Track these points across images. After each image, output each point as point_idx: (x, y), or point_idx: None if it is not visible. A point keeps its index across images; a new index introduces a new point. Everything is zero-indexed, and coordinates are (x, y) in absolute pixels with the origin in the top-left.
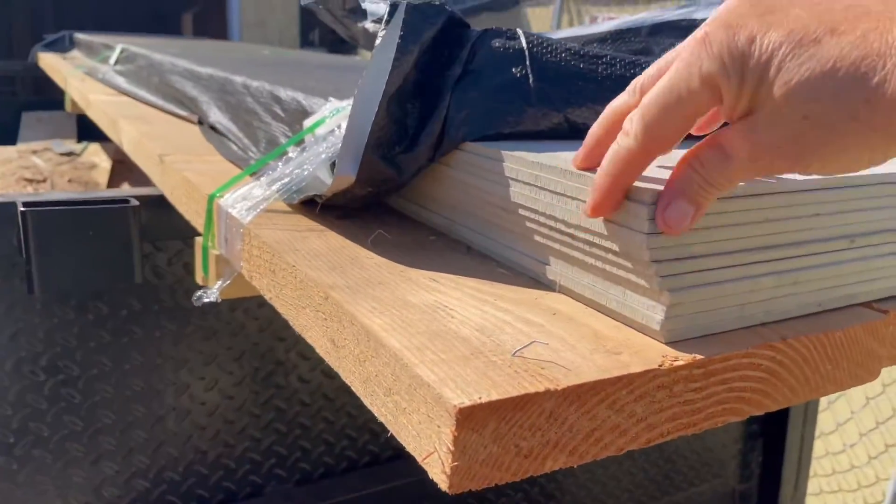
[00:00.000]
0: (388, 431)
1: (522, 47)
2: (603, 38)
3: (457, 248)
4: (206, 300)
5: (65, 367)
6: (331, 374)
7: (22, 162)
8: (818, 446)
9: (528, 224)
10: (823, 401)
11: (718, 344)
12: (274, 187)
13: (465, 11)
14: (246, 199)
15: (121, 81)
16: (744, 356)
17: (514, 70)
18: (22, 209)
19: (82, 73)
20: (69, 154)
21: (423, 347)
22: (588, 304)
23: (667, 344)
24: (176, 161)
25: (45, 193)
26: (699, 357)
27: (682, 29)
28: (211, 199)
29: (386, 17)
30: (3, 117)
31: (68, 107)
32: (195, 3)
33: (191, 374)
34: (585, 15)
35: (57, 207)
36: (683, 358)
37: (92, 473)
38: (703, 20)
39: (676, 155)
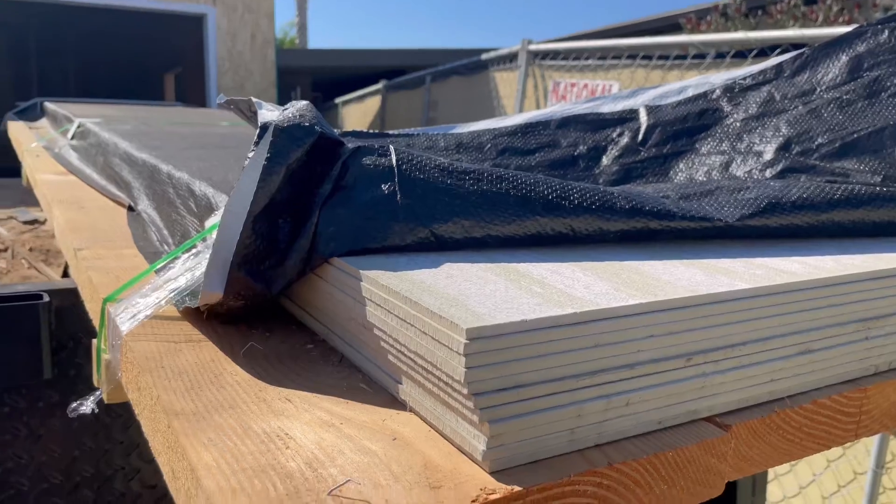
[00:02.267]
0: None
1: (392, 165)
2: (514, 132)
3: (330, 358)
4: (82, 410)
5: None
6: None
7: None
8: None
9: (383, 344)
10: (785, 465)
11: (544, 472)
12: (164, 292)
13: (436, 75)
14: (135, 304)
15: (73, 158)
16: (566, 484)
17: (383, 187)
18: None
19: (41, 146)
20: (33, 222)
21: (237, 490)
22: (431, 426)
23: (492, 473)
24: (87, 257)
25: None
26: (517, 489)
27: (588, 122)
28: (104, 302)
29: (255, 137)
30: None
31: (24, 181)
32: (176, 65)
33: (109, 466)
34: (549, 80)
35: None
36: (501, 490)
37: None
38: (610, 114)
39: (564, 271)
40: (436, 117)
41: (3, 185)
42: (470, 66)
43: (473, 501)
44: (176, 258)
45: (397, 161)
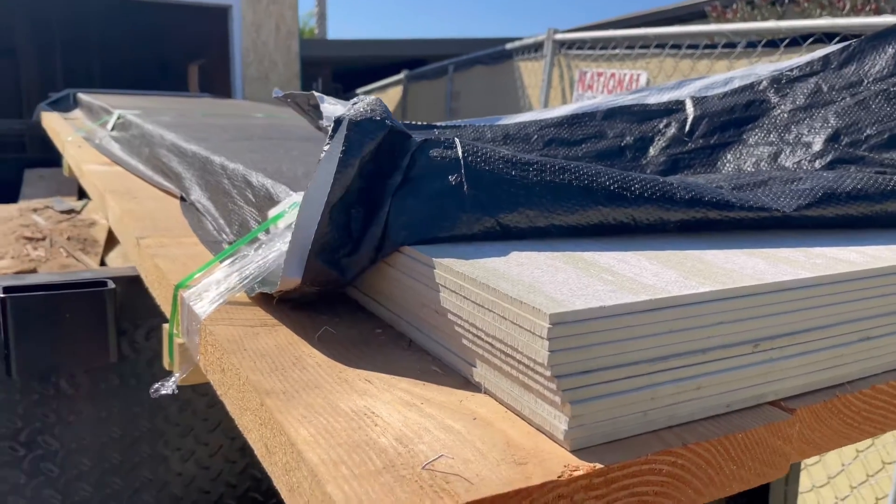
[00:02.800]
0: None
1: (458, 156)
2: (560, 123)
3: (399, 343)
4: (164, 392)
5: (44, 441)
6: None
7: (22, 220)
8: (811, 499)
9: (457, 328)
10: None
11: (621, 451)
12: (236, 279)
13: (459, 64)
14: (207, 291)
15: (115, 149)
16: (643, 463)
17: (450, 178)
18: (1, 295)
19: (81, 137)
20: (69, 212)
21: (338, 462)
22: (508, 408)
23: (573, 451)
24: (150, 245)
25: (27, 276)
26: (599, 466)
27: (634, 113)
28: (176, 288)
29: (330, 131)
30: (7, 175)
31: (66, 171)
32: (201, 56)
33: (167, 447)
34: (575, 69)
35: (35, 293)
36: (584, 467)
37: None
38: (656, 105)
39: (630, 260)
40: (458, 108)
41: (40, 175)
42: (494, 55)
43: (559, 477)
44: (242, 247)
45: (463, 153)
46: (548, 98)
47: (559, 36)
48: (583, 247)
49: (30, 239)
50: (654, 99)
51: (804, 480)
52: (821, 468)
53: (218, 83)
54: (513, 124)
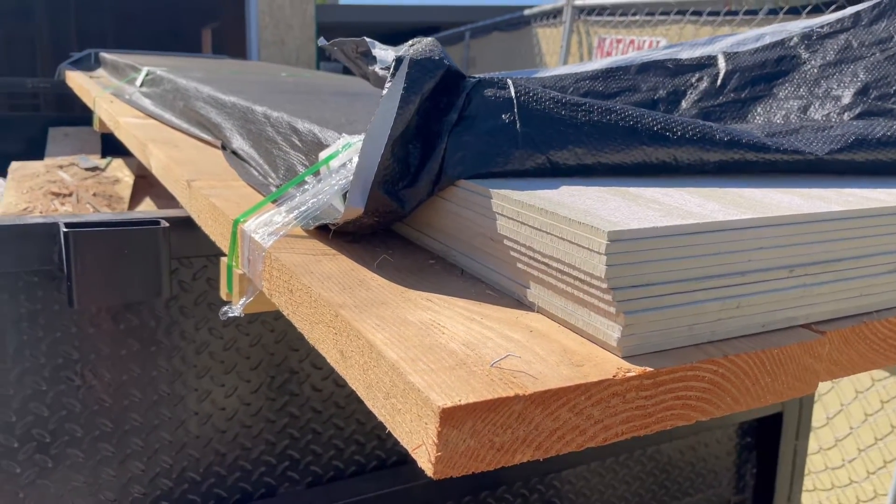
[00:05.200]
0: (389, 432)
1: (511, 96)
2: (595, 76)
3: (452, 271)
4: (232, 314)
5: (98, 373)
6: (341, 384)
7: (49, 176)
8: (817, 461)
9: (512, 253)
10: (822, 416)
11: (668, 358)
12: (292, 214)
13: (475, 31)
14: (267, 224)
15: (147, 104)
16: (689, 369)
17: (503, 117)
18: (64, 230)
19: (110, 94)
20: (94, 169)
21: (416, 359)
22: (561, 323)
23: (624, 358)
24: (202, 187)
25: (85, 215)
26: (649, 369)
27: (667, 68)
28: (235, 223)
29: (392, 70)
30: (31, 132)
31: (96, 125)
32: (215, 19)
33: (212, 382)
34: (594, 36)
35: (96, 228)
36: (635, 370)
37: (120, 472)
38: (689, 59)
39: (673, 194)
40: (474, 72)
41: (65, 133)
42: (511, 21)
43: (614, 376)
44: (296, 185)
45: (516, 93)
46: (566, 64)
47: (578, 2)
48: (628, 183)
49: (57, 195)
50: (686, 54)
51: (811, 444)
52: (828, 431)
53: (232, 47)
54: (549, 77)
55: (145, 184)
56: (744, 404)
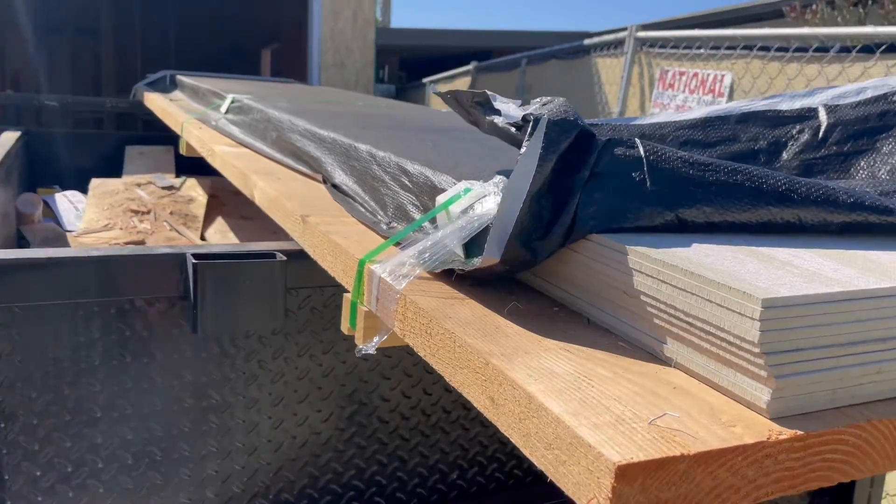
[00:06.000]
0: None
1: (640, 155)
2: (694, 125)
3: (578, 320)
4: (367, 352)
5: (207, 394)
6: (428, 413)
7: (128, 194)
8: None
9: (649, 308)
10: None
11: (813, 421)
12: (421, 258)
13: (531, 58)
14: (397, 267)
15: (235, 131)
16: (836, 433)
17: (633, 175)
18: (193, 261)
19: (196, 119)
20: (170, 188)
21: (577, 413)
22: (701, 380)
23: (771, 419)
24: (319, 223)
25: (209, 246)
26: (799, 432)
27: (767, 119)
28: (362, 263)
29: (529, 129)
30: (107, 149)
31: (183, 150)
32: (275, 41)
33: (309, 407)
34: (656, 67)
35: (221, 260)
36: (786, 432)
37: (222, 490)
38: (789, 111)
39: (804, 256)
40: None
41: (140, 151)
42: (569, 50)
43: (767, 438)
44: (408, 229)
45: (645, 152)
46: (626, 95)
47: (641, 34)
48: (755, 242)
49: (136, 212)
50: (786, 105)
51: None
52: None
53: (291, 68)
54: (647, 125)
55: (217, 203)
56: (883, 467)
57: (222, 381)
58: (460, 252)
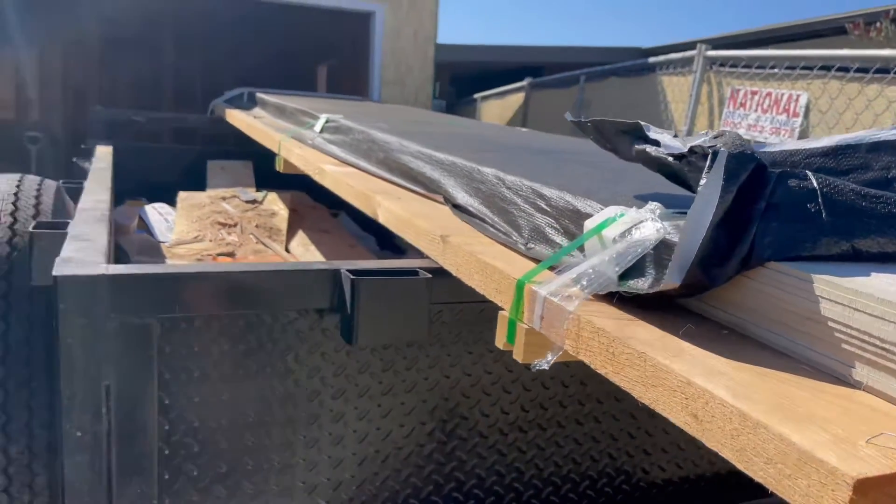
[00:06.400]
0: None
1: (814, 187)
2: (825, 153)
3: (749, 342)
4: (542, 367)
5: (350, 401)
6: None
7: (214, 207)
8: None
9: (837, 334)
10: None
11: None
12: (582, 281)
13: (591, 75)
14: (562, 288)
15: (335, 150)
16: None
17: (809, 206)
18: (351, 277)
19: (291, 137)
20: (253, 202)
21: (797, 430)
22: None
23: None
24: (461, 242)
25: (362, 263)
26: None
27: None
28: (521, 283)
29: (708, 162)
30: (187, 163)
31: (280, 167)
32: (331, 58)
33: (429, 417)
34: (726, 86)
35: (376, 277)
36: None
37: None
38: None
39: None
40: (589, 115)
41: (221, 166)
42: (632, 68)
43: None
44: (564, 256)
45: (818, 184)
46: (695, 114)
47: (711, 53)
48: None
49: (223, 224)
50: None
51: None
52: None
53: (347, 84)
54: (777, 152)
55: (296, 217)
56: None
57: (363, 390)
58: (612, 275)
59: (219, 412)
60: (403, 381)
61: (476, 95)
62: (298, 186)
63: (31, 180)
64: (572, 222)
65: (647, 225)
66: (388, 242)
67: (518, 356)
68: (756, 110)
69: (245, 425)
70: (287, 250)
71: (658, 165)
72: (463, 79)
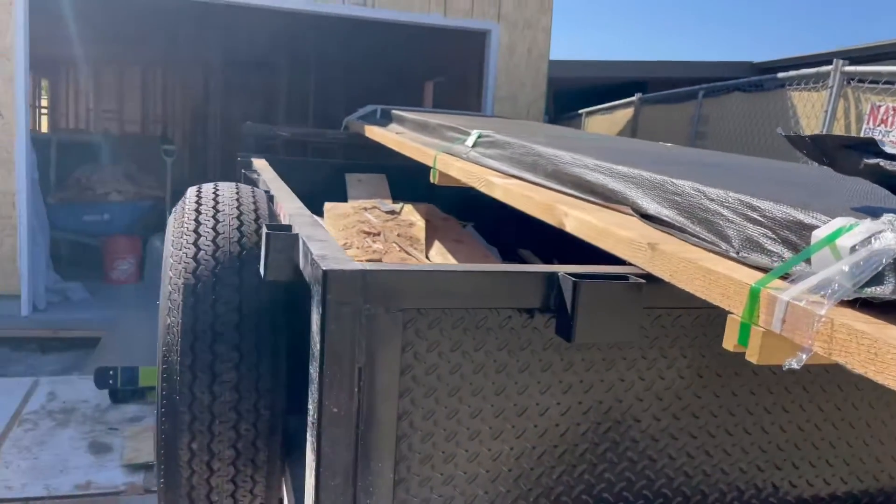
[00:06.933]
0: None
1: None
2: None
3: None
4: (792, 367)
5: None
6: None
7: (357, 217)
8: None
9: None
10: None
11: None
12: (828, 287)
13: (710, 91)
14: (805, 294)
15: (492, 163)
16: None
17: None
18: (573, 280)
19: (444, 153)
20: (392, 212)
21: None
22: None
23: None
24: (674, 251)
25: (578, 267)
26: None
27: None
28: (755, 289)
29: None
30: (333, 176)
31: (434, 179)
32: (439, 74)
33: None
34: (865, 102)
35: (595, 280)
36: None
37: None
38: None
39: None
40: (706, 132)
41: (359, 179)
42: (757, 83)
43: None
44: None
45: None
46: (830, 130)
47: (849, 68)
48: None
49: (368, 233)
50: None
51: None
52: None
53: (457, 100)
54: None
55: (430, 227)
56: None
57: (544, 387)
58: (846, 283)
59: (444, 399)
60: (581, 382)
61: (581, 111)
62: (425, 199)
63: (245, 188)
64: (793, 233)
65: (888, 235)
66: (511, 255)
67: (752, 357)
68: None
69: (464, 413)
70: (427, 258)
71: (892, 180)
72: (565, 94)
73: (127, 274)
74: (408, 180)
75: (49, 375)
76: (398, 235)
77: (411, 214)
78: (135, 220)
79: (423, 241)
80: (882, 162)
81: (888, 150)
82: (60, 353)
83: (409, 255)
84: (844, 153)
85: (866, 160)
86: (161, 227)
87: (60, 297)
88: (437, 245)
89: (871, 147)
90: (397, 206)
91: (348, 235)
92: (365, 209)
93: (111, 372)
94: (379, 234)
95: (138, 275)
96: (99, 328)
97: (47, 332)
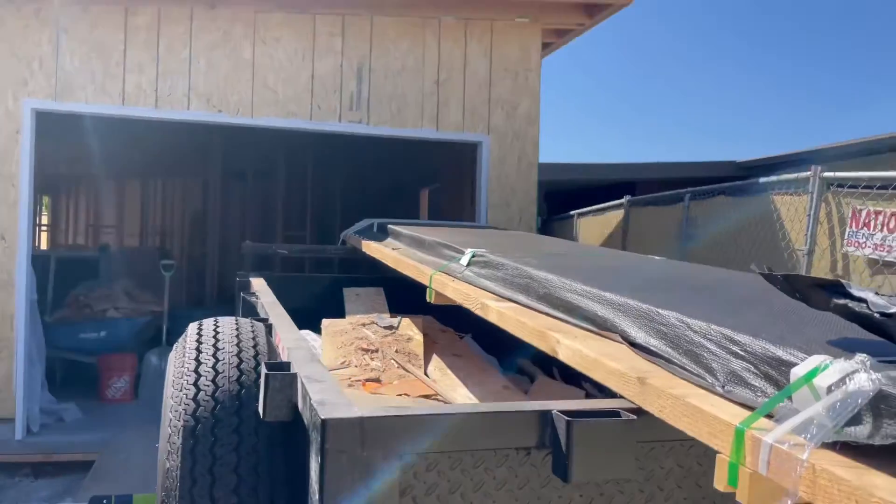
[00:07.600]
0: None
1: None
2: None
3: None
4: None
5: None
6: None
7: (355, 333)
8: None
9: None
10: None
11: None
12: (807, 430)
13: (696, 194)
14: (788, 436)
15: (488, 284)
16: None
17: None
18: (566, 419)
19: (441, 272)
20: (390, 327)
21: None
22: None
23: None
24: (661, 386)
25: (568, 403)
26: None
27: None
28: (740, 430)
29: None
30: (331, 291)
31: (431, 298)
32: (433, 181)
33: None
34: (846, 207)
35: (588, 419)
36: None
37: None
38: None
39: None
40: (696, 233)
41: (356, 293)
42: (741, 187)
43: None
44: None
45: None
46: (814, 233)
47: (827, 174)
48: None
49: (366, 350)
50: None
51: None
52: None
53: (452, 207)
54: None
55: (429, 341)
56: None
57: None
58: (828, 423)
59: None
60: None
61: (573, 212)
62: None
63: (245, 323)
64: (773, 369)
65: (861, 376)
66: (510, 364)
67: (743, 499)
68: (882, 230)
69: None
70: (426, 374)
71: (859, 319)
72: (555, 195)
73: (122, 392)
74: (405, 293)
75: (41, 503)
76: (396, 352)
77: (409, 328)
78: (132, 337)
79: (421, 356)
80: (850, 303)
81: (854, 292)
82: (53, 477)
83: (408, 371)
84: (815, 291)
85: (835, 300)
86: (158, 342)
87: (54, 419)
88: (435, 360)
89: (839, 288)
90: (395, 321)
91: (346, 353)
92: (363, 325)
93: (105, 501)
94: (377, 351)
95: (133, 393)
96: (93, 450)
97: (40, 456)
